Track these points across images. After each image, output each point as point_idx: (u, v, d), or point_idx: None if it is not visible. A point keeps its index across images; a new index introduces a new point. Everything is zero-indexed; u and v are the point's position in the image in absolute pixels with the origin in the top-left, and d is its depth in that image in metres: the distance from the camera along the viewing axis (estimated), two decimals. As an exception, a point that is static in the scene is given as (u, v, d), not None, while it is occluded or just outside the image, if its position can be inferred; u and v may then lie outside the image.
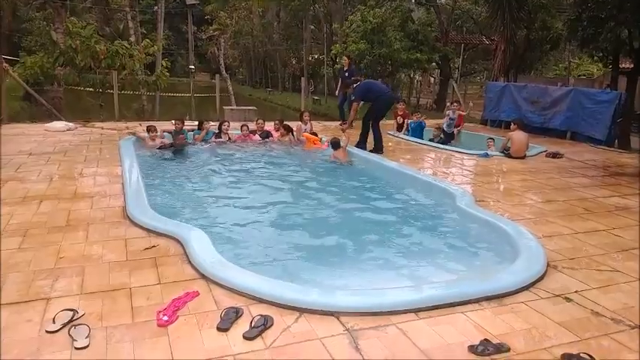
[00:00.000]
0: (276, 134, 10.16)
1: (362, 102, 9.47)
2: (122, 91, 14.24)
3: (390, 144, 10.59)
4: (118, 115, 13.00)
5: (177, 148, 8.95)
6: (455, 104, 11.86)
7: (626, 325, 3.19)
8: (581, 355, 2.78)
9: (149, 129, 9.15)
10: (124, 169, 6.76)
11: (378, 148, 9.31)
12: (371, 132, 9.46)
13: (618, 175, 8.19)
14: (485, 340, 2.89)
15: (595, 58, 14.21)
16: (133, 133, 9.49)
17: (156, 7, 24.60)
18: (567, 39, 15.22)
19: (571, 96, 11.88)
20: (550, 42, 19.25)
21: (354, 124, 9.62)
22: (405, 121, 11.86)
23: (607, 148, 10.87)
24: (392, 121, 12.29)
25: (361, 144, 9.48)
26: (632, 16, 10.91)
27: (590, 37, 11.95)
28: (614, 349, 2.92)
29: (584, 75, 27.04)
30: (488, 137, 10.89)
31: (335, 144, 8.84)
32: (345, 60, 13.04)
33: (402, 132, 11.72)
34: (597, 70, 25.30)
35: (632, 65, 13.11)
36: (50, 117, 12.01)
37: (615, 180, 7.75)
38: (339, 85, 13.08)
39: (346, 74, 12.26)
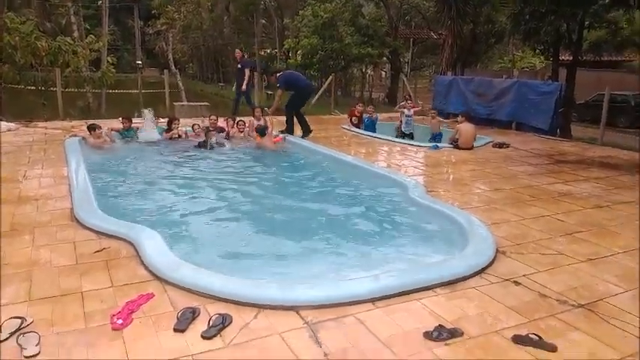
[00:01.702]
0: (231, 130, 10.00)
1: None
2: (66, 89, 13.66)
3: (344, 138, 10.73)
4: (62, 114, 12.47)
5: (208, 146, 9.00)
6: (409, 101, 11.98)
7: (570, 305, 3.36)
8: (529, 335, 2.91)
9: (90, 128, 8.82)
10: (70, 170, 6.51)
11: (306, 130, 10.17)
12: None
13: (561, 162, 8.59)
14: (440, 325, 2.98)
15: (537, 50, 14.80)
16: (74, 135, 9.11)
17: (100, 1, 23.73)
18: (511, 33, 15.78)
19: (515, 88, 12.35)
20: (495, 36, 19.92)
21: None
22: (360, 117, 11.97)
23: (550, 137, 11.37)
24: (345, 115, 12.40)
25: (290, 131, 10.15)
26: (570, 11, 11.43)
27: (532, 31, 12.45)
28: (560, 328, 3.07)
29: (528, 67, 28.13)
30: (432, 109, 11.45)
31: (261, 130, 9.27)
32: (237, 53, 13.67)
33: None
34: (539, 62, 26.38)
35: (571, 57, 13.74)
36: (-12, 117, 11.38)
37: (558, 167, 8.12)
38: (236, 82, 13.60)
39: (239, 66, 13.12)
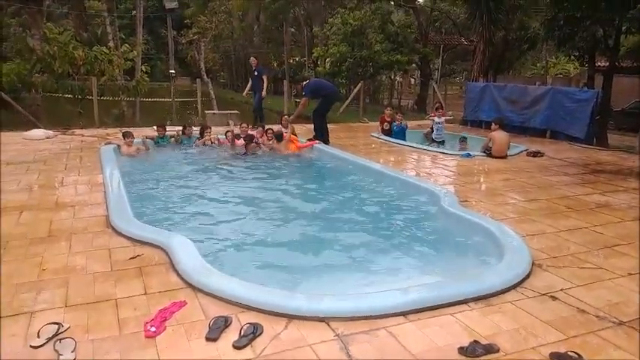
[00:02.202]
0: (261, 139, 10.09)
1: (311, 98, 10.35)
2: (101, 97, 14.06)
3: (373, 146, 10.68)
4: (97, 121, 12.81)
5: (249, 153, 9.22)
6: (439, 110, 11.85)
7: (610, 322, 3.24)
8: (568, 353, 2.81)
9: (125, 135, 9.04)
10: (105, 177, 6.66)
11: (325, 140, 10.18)
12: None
13: (597, 172, 8.33)
14: (475, 341, 2.91)
15: (572, 57, 14.47)
16: (109, 143, 9.34)
17: (134, 12, 24.36)
18: (544, 39, 15.47)
19: (550, 95, 12.07)
20: (527, 42, 19.55)
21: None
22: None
23: (586, 145, 11.06)
24: (377, 123, 12.34)
25: (319, 137, 10.17)
26: (606, 15, 11.14)
27: (567, 37, 12.17)
28: (600, 345, 2.97)
29: (561, 74, 27.51)
30: (461, 136, 11.05)
31: (278, 136, 9.52)
32: (252, 60, 13.57)
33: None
34: (574, 68, 25.78)
35: (607, 63, 13.37)
36: (28, 125, 11.78)
37: (595, 177, 7.89)
38: (248, 85, 13.64)
39: (255, 74, 13.12)
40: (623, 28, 12.17)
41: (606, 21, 11.41)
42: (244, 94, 14.07)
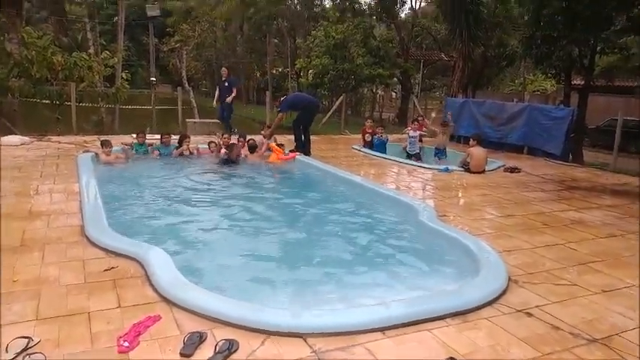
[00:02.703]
0: (242, 149, 10.05)
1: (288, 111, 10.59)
2: (80, 104, 13.84)
3: (354, 159, 10.71)
4: (76, 128, 12.61)
5: (232, 161, 9.16)
6: (416, 122, 11.94)
7: (584, 339, 3.28)
8: (542, 370, 2.84)
9: (103, 144, 8.91)
10: (81, 186, 6.54)
11: (306, 151, 10.24)
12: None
13: (572, 189, 8.50)
14: (451, 358, 2.91)
15: (548, 75, 14.80)
16: (87, 151, 9.19)
17: (116, 18, 24.16)
18: (522, 56, 15.82)
19: (527, 112, 12.32)
20: (506, 59, 19.99)
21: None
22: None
23: (562, 162, 11.28)
24: (358, 136, 12.42)
25: (300, 148, 10.22)
26: (582, 35, 11.45)
27: (544, 55, 12.47)
28: (573, 363, 3.00)
29: (539, 91, 28.09)
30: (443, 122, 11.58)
31: (251, 147, 9.73)
32: (224, 71, 13.76)
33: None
34: (551, 85, 26.35)
35: (583, 82, 13.71)
36: (4, 131, 11.53)
37: (570, 194, 8.04)
38: (216, 95, 13.65)
39: (225, 84, 13.30)
40: (598, 48, 12.53)
41: (582, 41, 11.73)
42: (214, 103, 13.98)
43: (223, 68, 14.12)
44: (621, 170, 10.79)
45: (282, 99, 10.63)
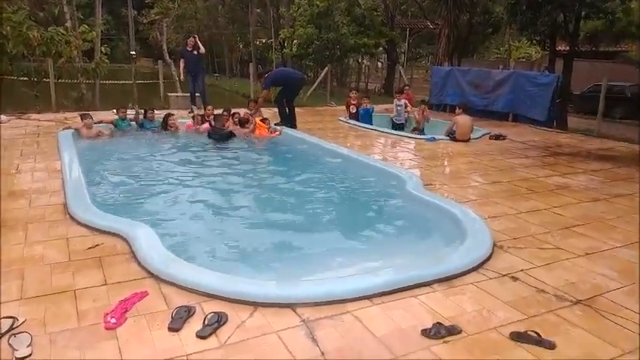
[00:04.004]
0: (227, 123, 9.91)
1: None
2: (59, 80, 13.51)
3: (340, 131, 10.66)
4: (55, 105, 12.33)
5: (218, 135, 8.91)
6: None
7: (568, 301, 3.34)
8: (528, 332, 2.89)
9: (82, 116, 8.75)
10: (63, 164, 6.43)
11: (292, 124, 10.23)
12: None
13: (557, 154, 8.57)
14: (438, 323, 2.95)
15: (533, 41, 14.74)
16: (68, 127, 9.01)
17: (93, -10, 23.37)
18: (507, 23, 15.68)
19: (512, 79, 12.31)
20: (491, 26, 19.85)
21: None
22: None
23: (547, 128, 11.35)
24: (344, 107, 12.32)
25: (284, 122, 10.18)
26: (567, 1, 11.37)
27: (529, 21, 12.39)
28: (558, 324, 3.06)
29: (524, 58, 28.06)
30: (422, 102, 11.60)
31: (242, 122, 9.66)
32: (190, 40, 12.10)
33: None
34: (536, 52, 26.33)
35: (567, 48, 13.69)
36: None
37: (554, 160, 8.10)
38: (182, 66, 11.93)
39: (194, 52, 11.80)
40: (583, 13, 12.47)
41: (567, 6, 11.65)
42: (182, 76, 12.36)
43: (191, 37, 12.37)
44: (605, 135, 10.89)
45: (266, 75, 10.48)
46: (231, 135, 9.09)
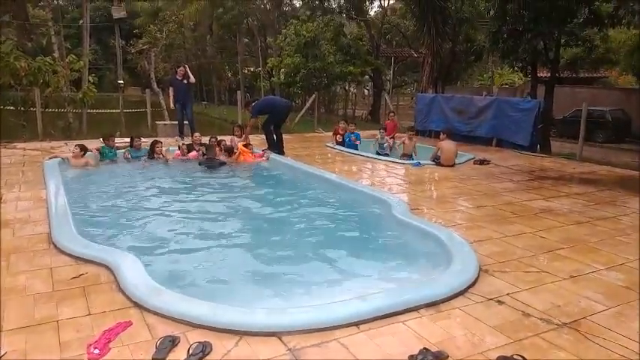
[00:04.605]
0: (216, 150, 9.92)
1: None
2: (46, 109, 13.50)
3: (328, 156, 10.75)
4: (41, 134, 12.29)
5: (211, 165, 8.92)
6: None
7: (554, 324, 3.35)
8: (514, 356, 2.89)
9: (79, 147, 8.77)
10: (48, 193, 6.38)
11: (280, 150, 10.27)
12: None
13: (541, 178, 8.68)
14: (425, 349, 2.94)
15: (515, 68, 15.10)
16: (55, 157, 8.97)
17: (81, 21, 23.58)
18: (489, 50, 16.08)
19: (495, 105, 12.54)
20: (474, 54, 20.29)
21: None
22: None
23: (530, 153, 11.53)
24: (329, 133, 12.45)
25: (273, 148, 10.21)
26: (546, 29, 11.72)
27: (510, 49, 12.74)
28: (545, 348, 3.06)
29: (507, 84, 28.64)
30: (410, 129, 11.72)
31: (228, 150, 9.60)
32: (180, 69, 12.30)
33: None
34: (519, 79, 26.91)
35: (549, 74, 14.03)
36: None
37: (538, 184, 8.21)
38: (172, 95, 12.10)
39: (184, 82, 12.03)
40: (562, 41, 12.85)
41: (546, 34, 12.01)
42: (172, 105, 12.42)
43: (181, 67, 12.54)
44: (587, 159, 11.08)
45: (253, 104, 10.52)
46: (222, 164, 9.08)
